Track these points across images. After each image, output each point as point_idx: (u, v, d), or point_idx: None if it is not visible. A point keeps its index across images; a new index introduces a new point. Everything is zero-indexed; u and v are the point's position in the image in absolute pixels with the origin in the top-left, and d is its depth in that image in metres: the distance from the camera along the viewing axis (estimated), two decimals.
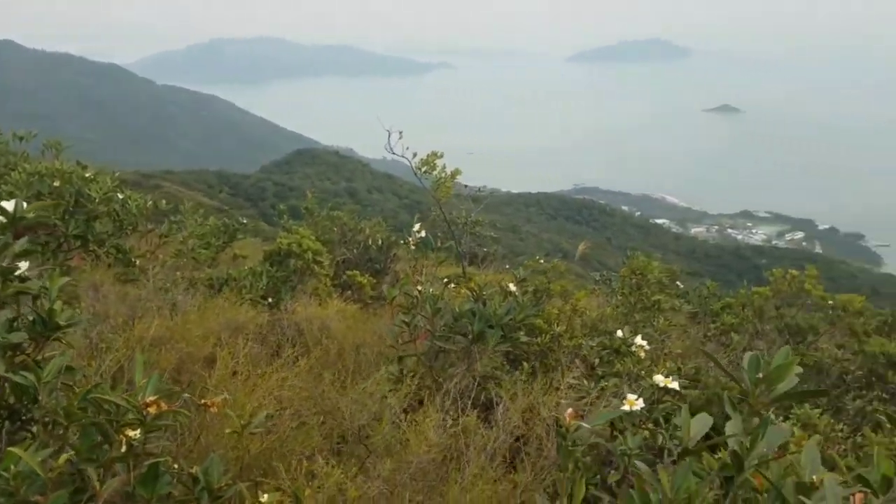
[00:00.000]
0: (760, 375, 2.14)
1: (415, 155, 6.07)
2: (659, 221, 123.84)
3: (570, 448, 2.25)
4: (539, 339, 6.27)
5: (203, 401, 2.54)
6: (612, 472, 3.37)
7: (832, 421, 4.35)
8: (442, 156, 6.10)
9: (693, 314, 9.71)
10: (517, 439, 3.98)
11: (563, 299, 8.15)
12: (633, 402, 3.15)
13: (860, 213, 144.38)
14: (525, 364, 5.34)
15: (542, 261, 12.27)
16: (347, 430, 3.15)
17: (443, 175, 6.20)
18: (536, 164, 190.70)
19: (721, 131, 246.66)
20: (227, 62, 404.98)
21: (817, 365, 6.06)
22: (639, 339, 4.54)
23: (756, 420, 2.35)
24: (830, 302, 6.76)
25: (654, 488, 2.25)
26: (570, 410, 2.32)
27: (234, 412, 2.98)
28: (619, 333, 4.66)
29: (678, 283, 11.40)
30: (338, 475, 2.36)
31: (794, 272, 7.11)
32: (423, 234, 5.23)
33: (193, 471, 2.68)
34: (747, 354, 2.20)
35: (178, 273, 7.11)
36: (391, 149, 5.95)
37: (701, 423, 2.43)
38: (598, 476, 4.12)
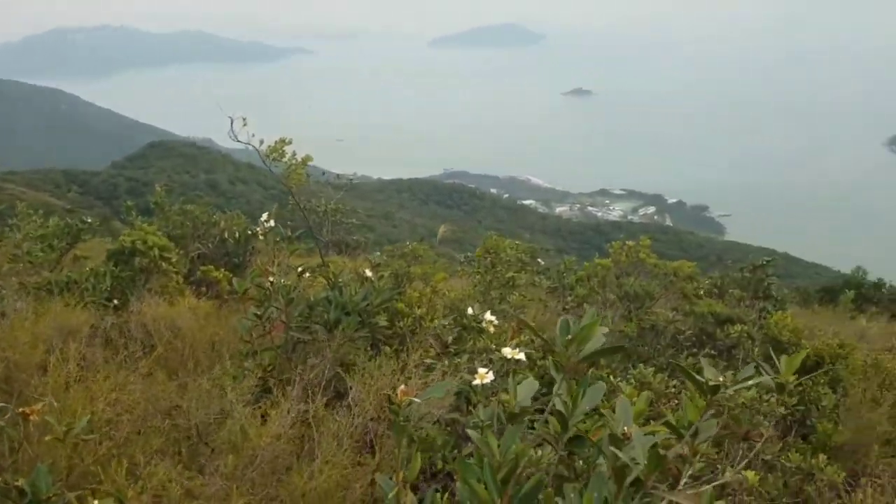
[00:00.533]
0: (570, 337, 2.29)
1: (261, 142, 5.93)
2: (526, 202, 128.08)
3: (402, 424, 2.30)
4: (402, 323, 6.36)
5: (21, 409, 2.40)
6: (469, 444, 3.49)
7: (666, 378, 4.69)
8: (290, 142, 5.99)
9: (553, 288, 10.18)
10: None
11: (424, 282, 8.29)
12: (484, 376, 3.27)
13: (704, 186, 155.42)
14: (387, 348, 5.40)
15: (411, 246, 12.42)
16: (191, 429, 3.07)
17: (293, 162, 6.10)
18: (406, 150, 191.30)
19: (577, 113, 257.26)
20: (69, 53, 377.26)
21: (654, 327, 6.54)
22: (488, 315, 4.68)
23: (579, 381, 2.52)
24: (664, 270, 7.30)
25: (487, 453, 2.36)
26: (401, 387, 2.37)
27: (66, 420, 2.83)
28: (470, 311, 4.80)
29: (539, 260, 11.93)
30: (161, 474, 2.31)
31: (631, 243, 7.60)
32: (271, 223, 5.14)
33: (19, 483, 2.53)
34: (560, 319, 2.34)
35: (13, 279, 6.63)
36: (235, 136, 5.78)
37: (527, 389, 2.56)
38: (456, 450, 4.26)
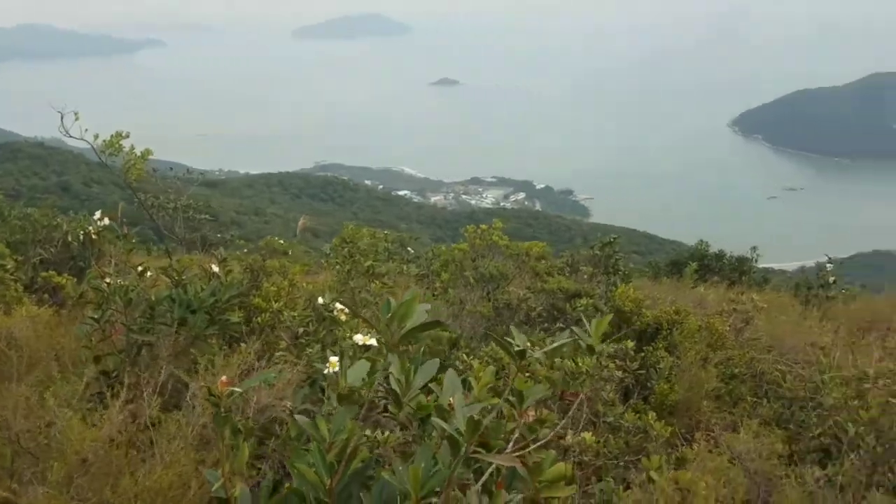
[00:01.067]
0: (390, 315, 2.33)
1: (96, 137, 5.60)
2: (401, 193, 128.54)
3: (223, 415, 2.26)
4: (259, 318, 6.22)
5: None
6: None
7: None
8: (128, 136, 5.70)
9: (422, 276, 10.32)
10: None
11: (283, 276, 8.14)
12: (335, 364, 3.26)
13: (568, 171, 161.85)
14: (243, 345, 5.26)
15: (281, 241, 12.16)
16: (12, 439, 2.87)
17: (133, 157, 5.80)
18: (274, 145, 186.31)
19: (445, 103, 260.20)
20: None
21: (508, 305, 6.78)
22: (339, 304, 4.66)
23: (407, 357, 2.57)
24: (516, 251, 7.59)
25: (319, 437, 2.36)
26: (223, 378, 2.33)
27: None
28: (320, 300, 4.77)
29: (409, 248, 12.05)
30: None
31: (484, 227, 7.85)
32: (105, 221, 4.88)
33: None
34: (385, 300, 2.38)
35: None
36: (67, 132, 5.43)
37: (358, 371, 2.58)
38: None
